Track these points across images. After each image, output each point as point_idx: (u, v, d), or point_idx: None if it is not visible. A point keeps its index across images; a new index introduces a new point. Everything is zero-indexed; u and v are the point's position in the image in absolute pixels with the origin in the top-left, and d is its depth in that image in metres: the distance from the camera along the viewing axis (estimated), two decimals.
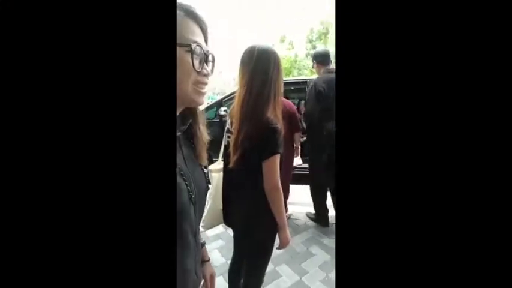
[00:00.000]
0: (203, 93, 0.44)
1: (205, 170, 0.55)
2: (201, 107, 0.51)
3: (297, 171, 2.39)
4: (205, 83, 0.43)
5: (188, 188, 0.45)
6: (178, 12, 0.39)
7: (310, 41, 10.05)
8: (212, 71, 0.45)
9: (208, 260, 0.70)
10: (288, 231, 0.94)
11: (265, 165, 0.84)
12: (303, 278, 1.55)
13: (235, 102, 0.89)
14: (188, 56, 0.40)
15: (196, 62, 0.40)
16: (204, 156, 0.54)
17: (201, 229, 1.57)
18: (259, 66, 0.84)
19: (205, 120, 0.55)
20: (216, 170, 1.06)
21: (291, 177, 2.06)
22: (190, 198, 0.45)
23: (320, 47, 2.20)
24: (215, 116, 2.85)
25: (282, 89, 0.89)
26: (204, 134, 0.53)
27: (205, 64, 0.43)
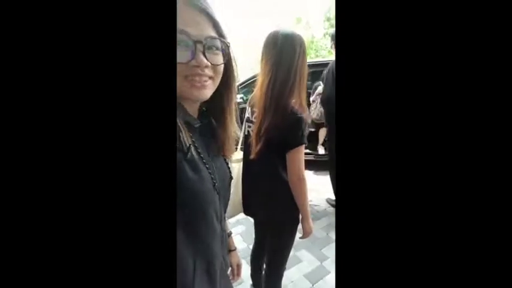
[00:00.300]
0: (202, 86, 0.40)
1: (228, 162, 0.55)
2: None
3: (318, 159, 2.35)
4: (200, 75, 0.39)
5: (212, 176, 0.45)
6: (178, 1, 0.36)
7: (328, 19, 9.52)
8: (221, 60, 0.41)
9: (235, 249, 0.71)
10: (311, 220, 0.93)
11: (290, 156, 0.81)
12: (323, 263, 1.56)
13: (257, 90, 0.85)
14: (178, 50, 0.36)
15: (181, 54, 0.36)
16: (229, 148, 0.53)
17: None
18: (285, 52, 0.79)
19: (236, 112, 0.53)
20: (235, 161, 1.04)
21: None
22: (214, 185, 0.45)
23: None
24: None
25: (306, 76, 0.85)
26: (230, 126, 0.52)
27: (201, 54, 0.38)
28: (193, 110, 0.46)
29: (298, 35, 0.82)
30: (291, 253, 1.04)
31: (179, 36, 0.36)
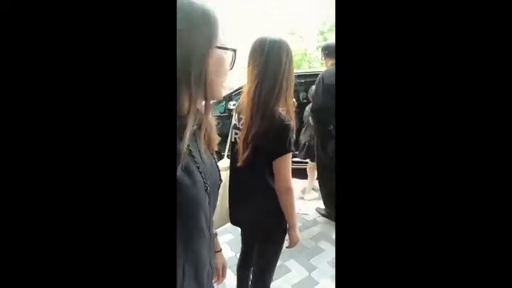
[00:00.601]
0: (225, 88, 0.48)
1: (218, 164, 0.56)
2: None
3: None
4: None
5: (204, 180, 0.45)
6: (211, 16, 0.41)
7: (322, 33, 9.82)
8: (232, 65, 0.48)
9: (220, 250, 0.71)
10: (298, 230, 0.91)
11: (277, 164, 0.80)
12: (311, 274, 1.54)
13: (244, 97, 0.85)
14: (228, 58, 0.44)
15: (227, 61, 0.44)
16: (216, 141, 0.55)
17: None
18: (271, 58, 0.79)
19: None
20: (222, 168, 1.04)
21: None
22: (206, 190, 0.46)
23: (331, 40, 2.14)
24: (224, 110, 2.83)
25: (293, 84, 0.84)
26: (213, 122, 0.54)
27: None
28: (189, 112, 0.48)
29: (284, 41, 0.82)
30: (279, 263, 1.02)
31: (223, 44, 0.42)
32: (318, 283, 1.47)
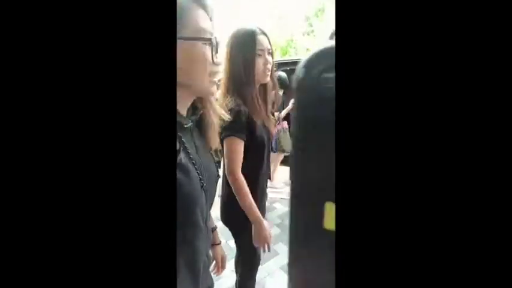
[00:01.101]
0: (216, 83, 0.44)
1: (216, 158, 0.55)
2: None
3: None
4: (218, 72, 0.43)
5: (200, 176, 0.45)
6: (187, 1, 0.38)
7: (307, 19, 9.70)
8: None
9: (219, 243, 0.72)
10: (264, 226, 0.82)
11: (224, 147, 0.78)
12: None
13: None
14: (206, 49, 0.40)
15: (207, 51, 0.40)
16: (215, 140, 0.54)
17: None
18: (231, 49, 0.81)
19: (219, 107, 0.54)
20: None
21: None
22: (202, 186, 0.45)
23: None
24: None
25: (252, 75, 0.80)
26: (216, 120, 0.53)
27: (216, 52, 0.41)
28: (184, 108, 0.46)
29: (249, 30, 0.80)
30: None
31: (214, 39, 0.39)
32: None
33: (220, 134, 0.75)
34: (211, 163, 0.52)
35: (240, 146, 0.78)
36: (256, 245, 0.84)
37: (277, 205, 2.35)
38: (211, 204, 0.54)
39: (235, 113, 0.76)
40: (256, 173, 0.88)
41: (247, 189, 0.79)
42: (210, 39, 0.39)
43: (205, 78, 0.41)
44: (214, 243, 0.70)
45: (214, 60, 0.40)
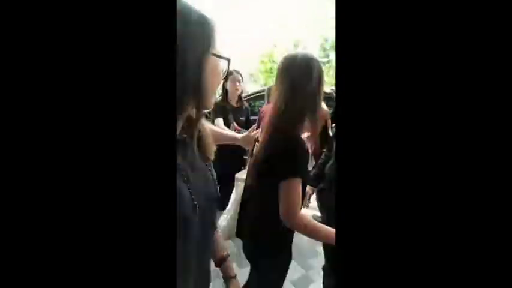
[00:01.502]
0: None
1: (214, 175, 0.52)
2: None
3: None
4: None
5: (192, 197, 0.42)
6: (208, 21, 0.39)
7: (324, 50, 10.17)
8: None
9: (235, 276, 0.63)
10: None
11: (280, 189, 0.71)
12: (308, 272, 1.67)
13: (266, 116, 0.82)
14: (222, 66, 0.43)
15: (220, 68, 0.43)
16: (211, 149, 0.51)
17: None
18: (296, 77, 0.72)
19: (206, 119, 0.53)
20: (241, 180, 1.01)
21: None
22: (194, 207, 0.42)
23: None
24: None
25: (320, 106, 0.78)
26: (208, 131, 0.52)
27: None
28: (180, 123, 0.44)
29: (314, 59, 0.75)
30: None
31: (217, 52, 0.41)
32: (313, 281, 1.61)
33: (278, 171, 0.70)
34: (209, 181, 0.49)
35: (300, 186, 0.71)
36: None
37: None
38: (212, 224, 0.51)
39: (297, 148, 0.71)
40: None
41: (314, 225, 0.74)
42: (228, 59, 0.43)
43: (216, 92, 0.44)
44: (229, 276, 0.62)
45: (223, 77, 0.44)
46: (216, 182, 0.52)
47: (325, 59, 9.81)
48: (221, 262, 0.62)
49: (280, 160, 0.71)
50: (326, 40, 10.03)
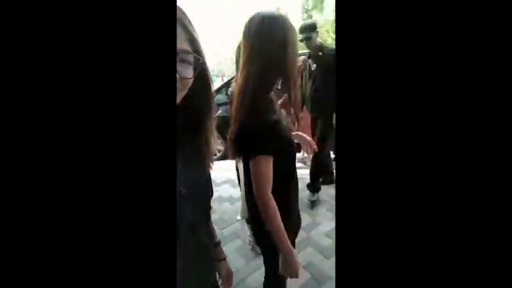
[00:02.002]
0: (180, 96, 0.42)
1: (209, 171, 0.54)
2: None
3: None
4: (181, 89, 0.41)
5: (181, 189, 0.43)
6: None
7: (306, 11, 9.82)
8: (190, 74, 0.41)
9: (224, 258, 0.68)
10: (293, 255, 0.70)
11: (251, 168, 0.67)
12: (315, 218, 1.93)
13: (235, 87, 0.73)
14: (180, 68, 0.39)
15: (181, 72, 0.39)
16: (211, 147, 0.52)
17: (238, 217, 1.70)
18: (263, 38, 0.64)
19: (215, 111, 0.52)
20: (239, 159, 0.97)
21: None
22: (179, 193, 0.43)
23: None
24: (228, 97, 2.80)
25: (295, 73, 0.70)
26: (211, 140, 0.51)
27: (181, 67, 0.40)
28: None
29: (282, 17, 0.66)
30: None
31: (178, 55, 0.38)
32: (319, 224, 1.88)
33: (248, 149, 0.67)
34: (202, 177, 0.51)
35: (269, 164, 0.66)
36: (283, 274, 0.74)
37: None
38: (204, 215, 0.54)
39: (266, 125, 0.65)
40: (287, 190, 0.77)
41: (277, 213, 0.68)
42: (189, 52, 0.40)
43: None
44: (219, 258, 0.67)
45: (180, 75, 0.39)
46: (209, 177, 0.54)
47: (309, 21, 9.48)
48: (215, 246, 0.66)
49: (246, 139, 0.67)
50: (307, 0, 9.64)
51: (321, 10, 9.61)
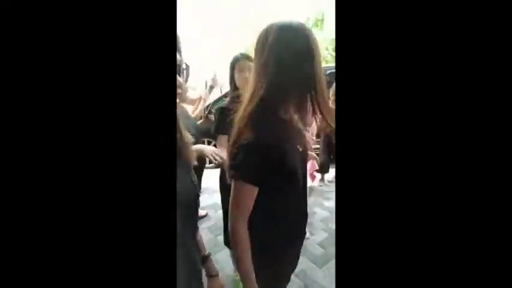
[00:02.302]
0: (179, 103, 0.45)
1: (194, 178, 0.53)
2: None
3: None
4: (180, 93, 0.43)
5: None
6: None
7: (317, 24, 10.11)
8: (186, 80, 0.46)
9: (217, 274, 0.62)
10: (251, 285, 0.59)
11: (231, 189, 0.58)
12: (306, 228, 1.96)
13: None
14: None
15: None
16: (190, 154, 0.51)
17: None
18: (284, 53, 0.52)
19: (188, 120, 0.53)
20: None
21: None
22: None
23: None
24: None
25: (324, 87, 0.56)
26: (187, 135, 0.51)
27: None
28: None
29: (302, 26, 0.55)
30: None
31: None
32: (313, 235, 1.90)
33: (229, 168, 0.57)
34: (188, 182, 0.50)
35: (250, 195, 0.57)
36: None
37: None
38: (192, 225, 0.53)
39: (250, 146, 0.54)
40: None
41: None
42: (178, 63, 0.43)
43: None
44: (211, 275, 0.62)
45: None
46: (195, 182, 0.53)
47: None
48: (204, 261, 0.63)
49: (234, 158, 0.57)
50: (308, 19, 9.98)
51: (321, 28, 9.94)
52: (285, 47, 0.53)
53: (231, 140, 0.59)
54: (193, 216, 0.54)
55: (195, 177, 0.54)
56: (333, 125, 0.57)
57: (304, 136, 0.65)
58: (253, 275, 0.58)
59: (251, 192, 0.57)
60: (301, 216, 0.69)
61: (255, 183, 0.56)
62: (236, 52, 1.24)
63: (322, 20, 9.98)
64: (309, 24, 10.44)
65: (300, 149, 0.64)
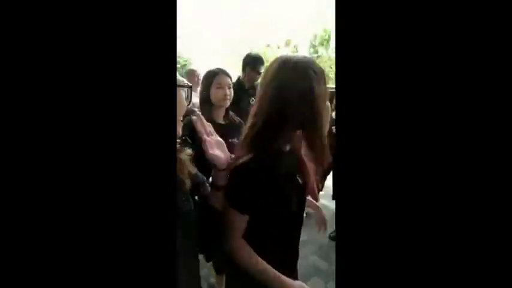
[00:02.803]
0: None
1: (187, 197, 0.51)
2: None
3: None
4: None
5: None
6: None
7: (313, 46, 10.44)
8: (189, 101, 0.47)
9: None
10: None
11: (224, 214, 0.58)
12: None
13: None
14: (184, 95, 0.45)
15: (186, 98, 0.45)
16: (184, 169, 0.51)
17: None
18: (281, 82, 0.54)
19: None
20: None
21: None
22: None
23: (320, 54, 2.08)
24: None
25: (321, 128, 0.58)
26: (182, 152, 0.51)
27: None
28: None
29: (309, 61, 0.56)
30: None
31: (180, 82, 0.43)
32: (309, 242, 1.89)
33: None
34: (180, 201, 0.49)
35: (241, 222, 0.58)
36: None
37: None
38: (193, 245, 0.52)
39: (243, 173, 0.56)
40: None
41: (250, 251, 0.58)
42: (190, 87, 0.46)
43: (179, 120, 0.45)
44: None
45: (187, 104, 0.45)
46: (189, 198, 0.51)
47: (315, 55, 10.10)
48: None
49: (229, 184, 0.57)
50: (315, 36, 10.31)
51: (327, 47, 10.25)
52: (286, 84, 0.54)
53: (233, 159, 0.58)
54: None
55: (188, 196, 0.52)
56: (324, 166, 0.59)
57: (306, 168, 0.64)
58: (282, 276, 0.57)
59: (241, 222, 0.58)
60: (291, 252, 0.67)
61: (245, 213, 0.57)
62: (236, 52, 1.26)
63: (328, 40, 10.33)
64: (315, 42, 10.78)
65: (300, 181, 0.64)
